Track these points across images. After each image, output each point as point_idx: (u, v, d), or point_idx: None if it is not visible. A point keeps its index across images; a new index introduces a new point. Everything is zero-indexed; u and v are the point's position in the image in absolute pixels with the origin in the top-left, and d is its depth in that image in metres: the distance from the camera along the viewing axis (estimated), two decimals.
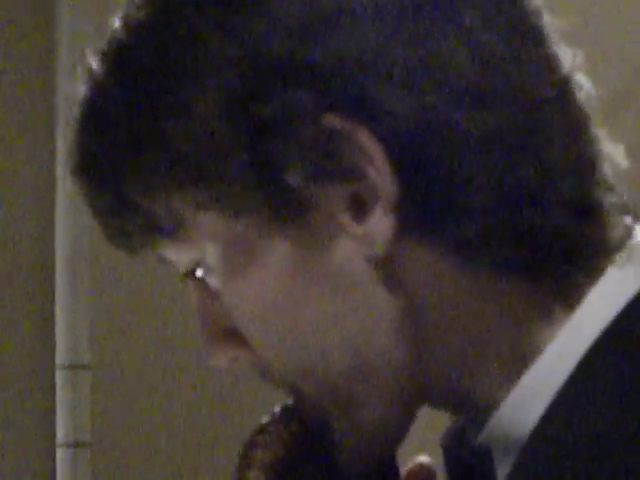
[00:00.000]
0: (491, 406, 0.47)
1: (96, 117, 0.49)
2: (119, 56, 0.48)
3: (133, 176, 0.47)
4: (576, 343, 0.45)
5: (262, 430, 0.52)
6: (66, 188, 1.89)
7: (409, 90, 0.45)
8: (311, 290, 0.47)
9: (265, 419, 0.52)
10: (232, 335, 0.49)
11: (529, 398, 0.45)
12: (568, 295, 0.46)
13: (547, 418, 0.45)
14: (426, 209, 0.45)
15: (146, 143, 0.47)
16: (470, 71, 0.45)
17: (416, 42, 0.45)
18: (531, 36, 0.48)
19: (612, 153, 0.49)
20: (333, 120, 0.44)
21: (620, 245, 0.47)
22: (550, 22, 0.49)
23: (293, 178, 0.45)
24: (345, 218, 0.46)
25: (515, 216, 0.45)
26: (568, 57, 0.49)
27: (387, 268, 0.46)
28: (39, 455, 1.90)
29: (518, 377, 0.46)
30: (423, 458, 0.54)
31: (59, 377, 1.86)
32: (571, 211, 0.46)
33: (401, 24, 0.45)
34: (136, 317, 1.80)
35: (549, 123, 0.47)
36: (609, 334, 0.45)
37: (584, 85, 0.49)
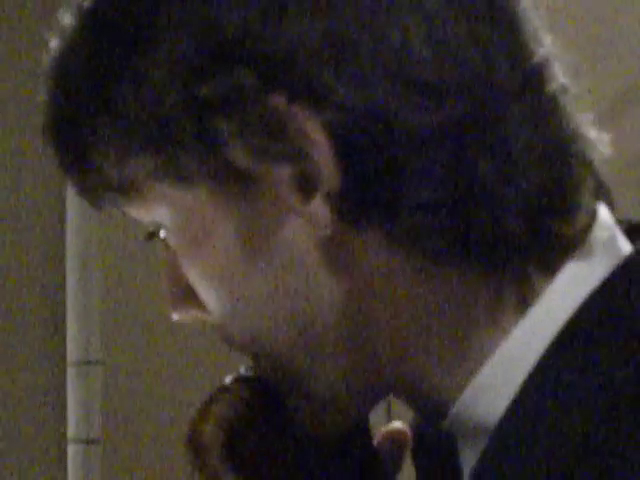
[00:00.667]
0: (443, 397, 0.47)
1: (60, 73, 0.49)
2: (88, 15, 0.48)
3: (91, 137, 0.48)
4: (533, 340, 0.45)
5: (223, 388, 0.52)
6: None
7: (358, 80, 0.44)
8: (258, 264, 0.47)
9: (228, 379, 0.52)
10: (195, 296, 0.50)
11: (490, 389, 0.46)
12: (522, 290, 0.46)
13: (512, 409, 0.45)
14: (369, 198, 0.45)
15: (101, 105, 0.47)
16: (426, 62, 0.44)
17: (370, 31, 0.44)
18: (500, 23, 0.46)
19: (596, 140, 0.47)
20: (279, 103, 0.44)
21: (582, 239, 0.47)
22: (530, 6, 0.48)
23: (237, 155, 0.45)
24: (291, 198, 0.46)
25: (464, 210, 0.45)
26: (545, 45, 0.47)
27: (332, 251, 0.47)
28: (50, 451, 1.92)
29: (467, 369, 0.46)
30: (397, 423, 0.55)
31: (70, 374, 1.87)
32: (529, 206, 0.45)
33: (356, 11, 0.44)
34: (147, 313, 1.81)
35: (511, 115, 0.45)
36: (565, 331, 0.45)
37: (558, 75, 0.47)
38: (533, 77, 0.46)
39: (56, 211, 1.95)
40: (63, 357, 1.91)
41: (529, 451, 0.44)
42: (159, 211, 0.49)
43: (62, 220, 1.93)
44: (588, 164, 0.47)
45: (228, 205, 0.47)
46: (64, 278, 1.88)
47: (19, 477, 1.96)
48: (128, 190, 0.48)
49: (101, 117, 0.47)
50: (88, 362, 1.87)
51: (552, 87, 0.47)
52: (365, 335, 0.48)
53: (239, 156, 0.45)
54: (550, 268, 0.46)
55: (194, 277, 0.49)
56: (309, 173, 0.45)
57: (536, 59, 0.46)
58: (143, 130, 0.46)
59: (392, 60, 0.44)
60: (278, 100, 0.44)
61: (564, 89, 0.47)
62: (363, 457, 0.55)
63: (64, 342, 1.91)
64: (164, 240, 0.51)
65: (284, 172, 0.45)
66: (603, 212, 0.48)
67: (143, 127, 0.46)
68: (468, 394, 0.47)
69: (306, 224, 0.46)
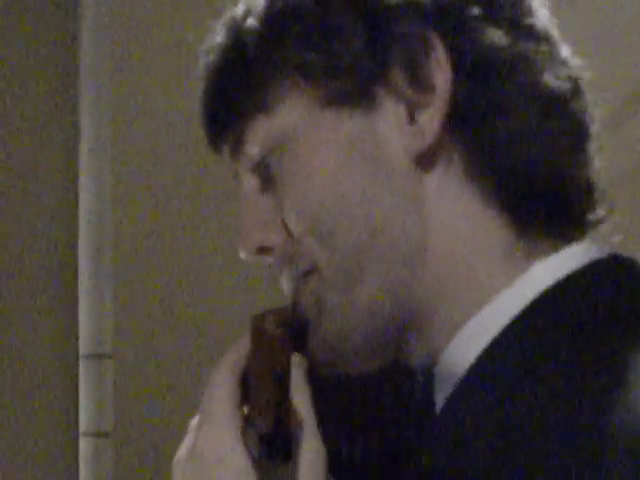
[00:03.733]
0: (445, 335, 0.56)
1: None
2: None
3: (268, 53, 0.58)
4: (517, 299, 0.54)
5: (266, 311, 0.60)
6: (89, 179, 1.91)
7: (493, 31, 0.56)
8: (357, 168, 0.56)
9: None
10: (267, 226, 0.59)
11: (471, 339, 0.54)
12: (529, 257, 0.56)
13: (480, 362, 0.54)
14: (467, 130, 0.55)
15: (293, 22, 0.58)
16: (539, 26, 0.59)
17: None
18: (554, 53, 0.59)
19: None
20: (432, 36, 0.55)
21: (594, 226, 0.58)
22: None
23: (393, 63, 0.56)
24: (403, 115, 0.56)
25: (542, 179, 0.55)
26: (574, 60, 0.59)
27: (418, 172, 0.56)
28: (62, 445, 1.90)
29: (464, 312, 0.55)
30: None
31: (82, 367, 1.86)
32: (585, 192, 0.57)
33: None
34: (159, 307, 1.80)
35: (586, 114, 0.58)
36: (530, 306, 0.54)
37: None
38: (577, 84, 0.59)
39: (69, 206, 1.93)
40: (75, 350, 1.89)
41: (483, 398, 0.52)
42: (290, 125, 0.58)
43: (74, 215, 1.92)
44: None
45: (351, 116, 0.57)
46: (76, 272, 1.88)
47: (31, 471, 1.96)
48: (272, 107, 0.58)
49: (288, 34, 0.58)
50: (100, 356, 1.86)
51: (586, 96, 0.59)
52: (418, 255, 0.56)
53: (397, 77, 0.56)
54: (562, 242, 0.56)
55: (293, 176, 0.57)
56: (427, 94, 0.55)
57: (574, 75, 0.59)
58: (312, 48, 0.57)
59: (512, 15, 0.57)
60: (431, 33, 0.55)
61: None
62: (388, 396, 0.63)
63: (76, 335, 1.89)
64: (259, 172, 0.59)
65: (406, 88, 0.55)
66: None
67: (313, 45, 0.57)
68: (465, 332, 0.55)
69: (411, 138, 0.55)
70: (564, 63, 0.58)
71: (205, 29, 0.64)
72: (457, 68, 0.55)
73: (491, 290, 0.55)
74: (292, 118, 0.58)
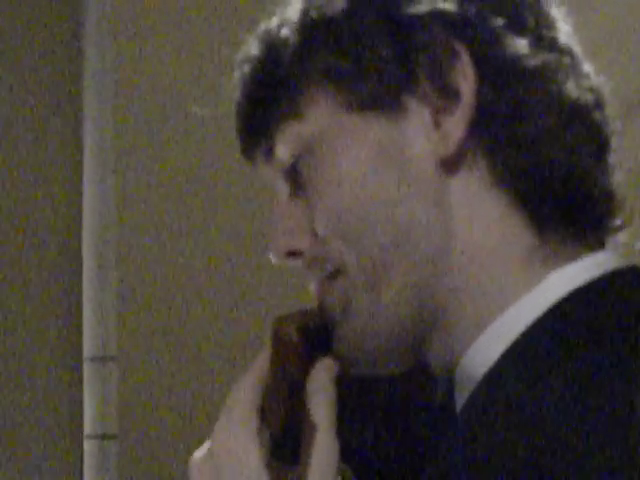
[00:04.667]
0: (465, 340, 0.57)
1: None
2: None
3: (304, 64, 0.60)
4: (537, 305, 0.55)
5: (292, 312, 0.62)
6: (93, 180, 1.91)
7: (516, 41, 0.57)
8: (384, 171, 0.58)
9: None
10: (297, 230, 0.61)
11: (493, 341, 0.56)
12: (546, 263, 0.57)
13: (501, 363, 0.55)
14: (495, 127, 0.57)
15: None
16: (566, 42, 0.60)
17: (507, 14, 0.59)
18: (579, 70, 0.60)
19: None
20: (457, 45, 0.57)
21: (611, 235, 0.59)
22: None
23: (420, 70, 0.57)
24: (429, 121, 0.58)
25: (563, 181, 0.57)
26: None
27: (443, 176, 0.57)
28: (67, 447, 1.91)
29: (484, 312, 0.57)
30: None
31: (86, 370, 1.86)
32: (610, 197, 0.59)
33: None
34: (162, 309, 1.81)
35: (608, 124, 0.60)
36: (549, 312, 0.55)
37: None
38: (598, 94, 0.60)
39: (73, 211, 1.94)
40: (79, 353, 1.89)
41: (505, 397, 0.53)
42: (319, 130, 0.60)
43: (78, 217, 1.92)
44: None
45: (378, 122, 0.58)
46: (80, 276, 1.88)
47: (36, 473, 1.96)
48: (303, 113, 0.60)
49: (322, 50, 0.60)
50: (104, 358, 1.85)
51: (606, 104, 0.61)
52: (441, 258, 0.57)
53: (420, 71, 0.57)
54: (582, 250, 0.57)
55: (322, 181, 0.59)
56: (452, 102, 0.57)
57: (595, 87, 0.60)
58: (347, 59, 0.59)
59: (535, 28, 0.59)
60: (457, 43, 0.57)
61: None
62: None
63: (80, 338, 1.89)
64: (291, 180, 0.61)
65: (432, 96, 0.57)
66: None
67: (348, 56, 0.59)
68: (474, 347, 0.57)
69: (436, 144, 0.57)
70: (586, 76, 0.60)
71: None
72: (481, 76, 0.57)
73: (511, 295, 0.57)
74: (321, 123, 0.60)
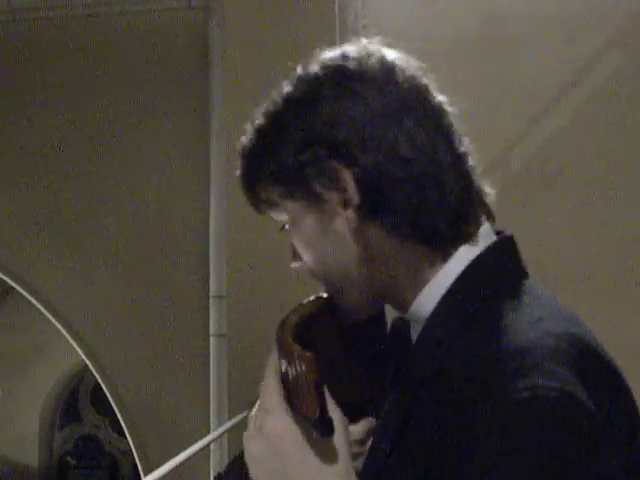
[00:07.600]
0: (410, 304, 0.84)
1: (257, 141, 0.86)
2: (271, 115, 0.84)
3: (262, 181, 0.85)
4: (447, 278, 0.81)
5: (308, 300, 0.85)
6: (216, 189, 2.57)
7: (371, 155, 0.80)
8: (323, 238, 0.82)
9: (312, 296, 0.85)
10: (295, 253, 0.86)
11: (426, 301, 0.82)
12: (445, 256, 0.82)
13: (436, 310, 0.81)
14: (376, 208, 0.81)
15: (269, 170, 0.84)
16: (405, 149, 0.81)
17: (381, 136, 0.81)
18: (443, 133, 0.83)
19: (484, 186, 0.85)
20: (337, 165, 0.80)
21: (473, 235, 0.83)
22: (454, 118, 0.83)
23: (318, 187, 0.82)
24: (338, 208, 0.81)
25: (424, 218, 0.81)
26: (464, 144, 0.84)
27: (357, 235, 0.82)
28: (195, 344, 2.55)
29: (418, 289, 0.83)
30: None
31: (212, 304, 2.53)
32: (454, 218, 0.82)
33: (375, 126, 0.81)
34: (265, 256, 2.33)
35: (448, 172, 0.82)
36: (461, 276, 0.81)
37: (471, 157, 0.84)
38: (459, 159, 0.83)
39: (201, 211, 2.62)
40: (206, 292, 2.56)
41: (440, 326, 0.81)
42: (285, 214, 0.84)
43: (206, 216, 2.59)
44: (484, 197, 0.85)
45: (313, 211, 0.82)
46: (207, 242, 2.55)
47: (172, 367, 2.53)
48: (276, 206, 0.85)
49: (266, 169, 0.84)
50: (220, 297, 2.52)
51: (468, 164, 0.84)
52: (375, 276, 0.83)
53: (318, 188, 0.81)
54: (457, 246, 0.84)
55: (297, 246, 0.85)
56: (347, 198, 0.81)
57: (460, 151, 0.84)
58: (287, 177, 0.82)
59: (388, 148, 0.81)
60: (336, 164, 0.80)
61: (473, 165, 0.85)
62: (379, 336, 0.92)
63: (207, 280, 2.56)
64: (287, 229, 0.86)
65: (335, 196, 0.82)
66: (486, 223, 0.85)
67: (287, 174, 0.82)
68: (416, 302, 0.83)
69: (345, 221, 0.81)
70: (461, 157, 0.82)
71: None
72: (359, 175, 0.79)
73: (430, 271, 0.80)
74: (287, 208, 0.83)
